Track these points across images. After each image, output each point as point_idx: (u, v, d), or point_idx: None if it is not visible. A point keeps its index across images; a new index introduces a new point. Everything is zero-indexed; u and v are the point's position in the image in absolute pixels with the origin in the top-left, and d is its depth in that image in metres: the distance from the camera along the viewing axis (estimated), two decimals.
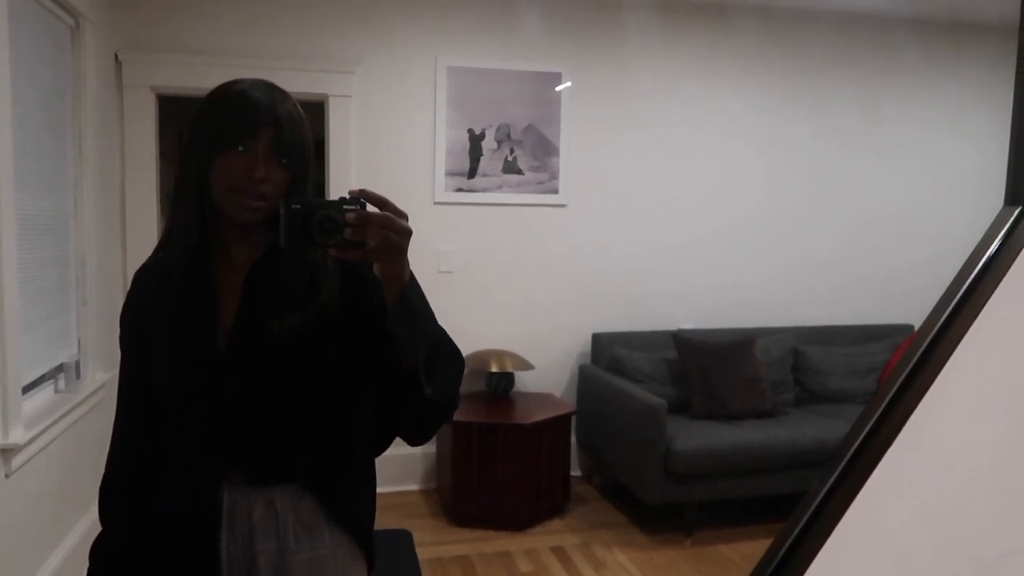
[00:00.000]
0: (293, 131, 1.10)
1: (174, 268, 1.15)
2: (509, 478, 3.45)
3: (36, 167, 2.54)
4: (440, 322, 1.14)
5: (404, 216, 1.03)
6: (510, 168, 3.96)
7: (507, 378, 3.79)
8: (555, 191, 4.02)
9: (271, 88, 1.12)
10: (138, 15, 3.48)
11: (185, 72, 3.47)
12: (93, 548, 1.21)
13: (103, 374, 3.05)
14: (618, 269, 4.14)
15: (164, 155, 3.60)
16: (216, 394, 1.14)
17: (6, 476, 2.19)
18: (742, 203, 4.30)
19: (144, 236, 3.45)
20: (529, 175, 3.99)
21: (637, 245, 4.16)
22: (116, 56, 3.42)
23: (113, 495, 1.22)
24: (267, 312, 1.14)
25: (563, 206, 4.04)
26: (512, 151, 3.95)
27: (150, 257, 1.22)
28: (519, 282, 4.04)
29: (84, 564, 1.22)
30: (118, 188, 3.47)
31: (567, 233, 4.07)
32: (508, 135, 3.94)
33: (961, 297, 0.54)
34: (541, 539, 3.39)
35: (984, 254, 0.54)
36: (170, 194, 1.21)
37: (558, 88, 3.98)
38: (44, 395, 2.67)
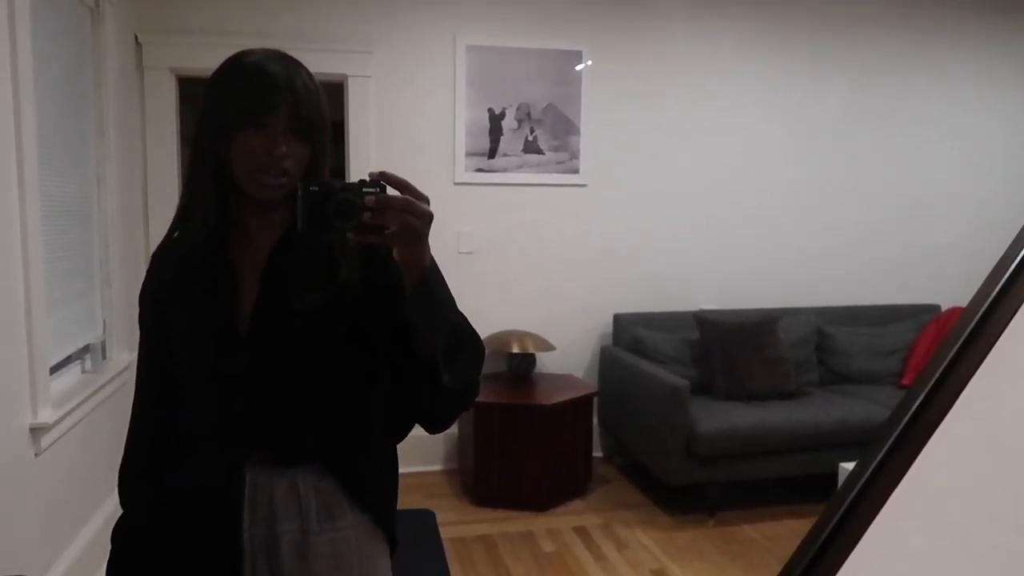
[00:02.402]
0: (310, 103, 1.07)
1: (193, 247, 1.13)
2: (531, 459, 3.45)
3: (59, 149, 2.56)
4: (460, 304, 1.11)
5: (425, 200, 1.00)
6: (530, 148, 3.93)
7: (528, 359, 3.79)
8: (576, 171, 3.99)
9: (285, 59, 1.09)
10: None
11: (204, 53, 3.44)
12: (115, 531, 1.21)
13: (128, 355, 3.08)
14: (639, 249, 4.11)
15: (184, 136, 3.60)
16: (237, 375, 1.13)
17: (36, 455, 2.22)
18: (765, 183, 4.25)
19: (166, 218, 3.43)
20: (549, 155, 3.96)
21: (658, 225, 4.12)
22: (136, 38, 3.42)
23: (133, 477, 1.21)
24: (287, 293, 1.12)
25: (584, 186, 4.01)
26: (532, 131, 3.92)
27: (167, 235, 1.20)
28: (540, 263, 4.02)
29: (110, 544, 1.23)
30: (140, 170, 3.49)
31: (588, 213, 4.04)
32: (528, 114, 3.91)
33: (1017, 266, 0.52)
34: (563, 519, 3.40)
35: None
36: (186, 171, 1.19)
37: (578, 67, 3.93)
38: (71, 375, 2.70)
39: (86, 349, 2.84)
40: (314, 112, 1.08)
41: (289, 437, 1.16)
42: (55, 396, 2.38)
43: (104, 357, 2.92)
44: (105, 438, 2.82)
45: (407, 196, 0.98)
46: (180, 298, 1.15)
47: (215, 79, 1.09)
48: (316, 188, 1.00)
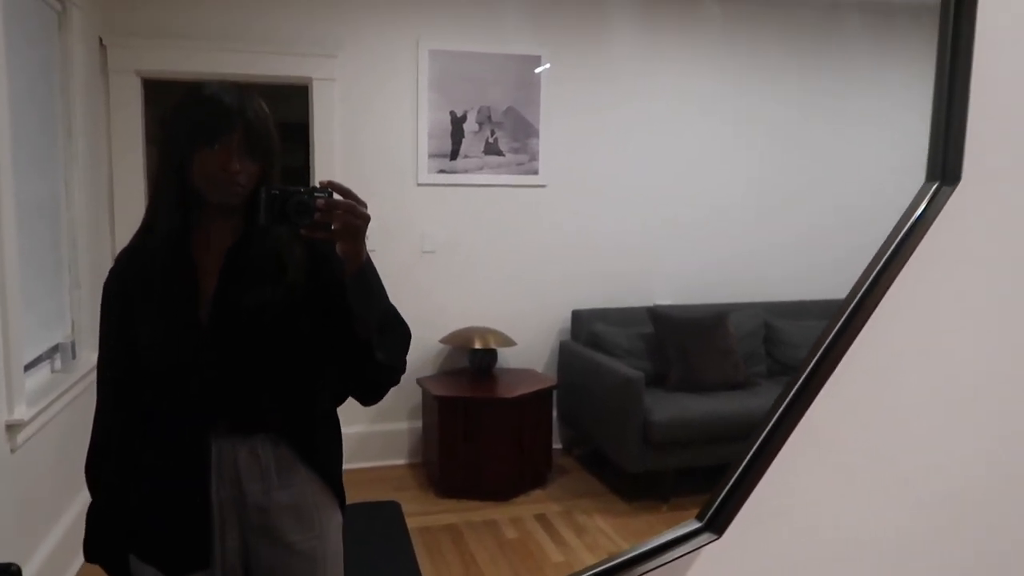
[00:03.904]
0: (261, 127, 1.27)
1: (157, 249, 1.30)
2: (493, 450, 3.58)
3: (27, 151, 2.60)
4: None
5: (364, 204, 1.22)
6: (491, 150, 4.05)
7: (490, 355, 3.91)
8: (535, 172, 4.13)
9: (239, 90, 1.28)
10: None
11: (169, 56, 3.52)
12: (88, 514, 1.37)
13: (96, 354, 3.11)
14: (597, 247, 4.26)
15: (150, 139, 3.64)
16: (199, 357, 1.29)
17: (12, 451, 2.27)
18: (720, 183, 4.42)
19: (132, 219, 3.46)
20: (510, 156, 4.08)
21: (616, 224, 4.28)
22: (101, 40, 3.45)
23: (100, 461, 1.37)
24: (243, 287, 1.30)
25: (543, 187, 4.15)
26: (493, 133, 4.05)
27: (133, 239, 1.35)
28: (501, 261, 4.14)
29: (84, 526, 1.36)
30: (105, 172, 3.51)
31: (547, 213, 4.17)
32: (489, 117, 4.03)
33: (891, 254, 0.66)
34: (525, 508, 3.53)
35: (908, 221, 0.66)
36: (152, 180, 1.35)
37: (537, 70, 4.07)
38: (42, 374, 2.74)
39: (55, 349, 2.87)
40: (264, 135, 1.28)
41: (248, 410, 1.33)
42: (28, 394, 2.43)
43: (73, 356, 2.96)
44: (76, 435, 2.84)
45: (350, 200, 1.20)
46: (145, 293, 1.31)
47: (177, 107, 1.29)
48: (277, 192, 1.21)
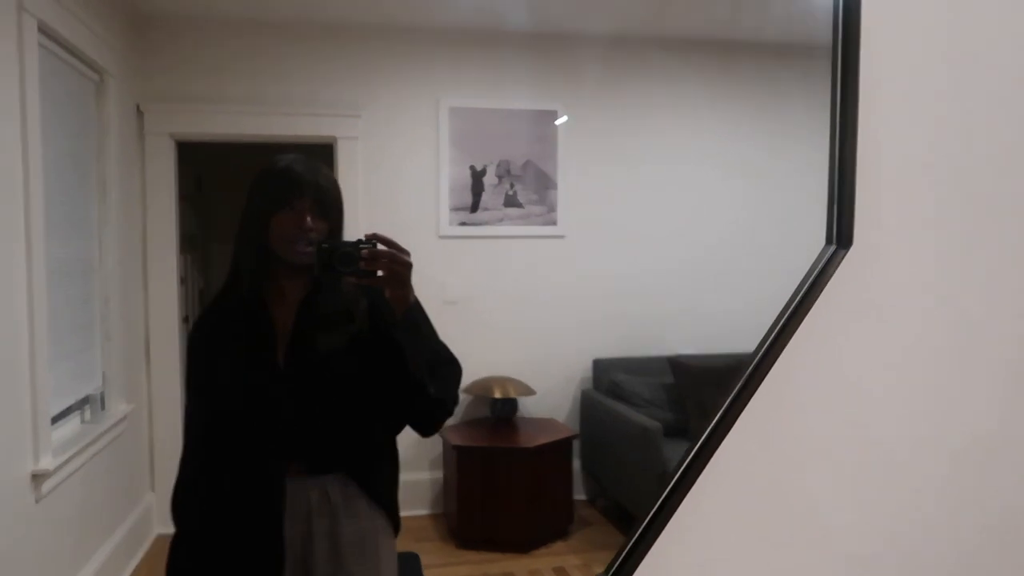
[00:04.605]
0: (329, 191, 1.44)
1: (238, 305, 1.45)
2: (513, 501, 3.57)
3: (64, 212, 2.75)
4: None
5: (406, 253, 1.36)
6: (510, 202, 4.14)
7: (510, 404, 3.93)
8: (554, 223, 4.19)
9: (309, 161, 1.46)
10: (158, 69, 3.71)
11: (203, 119, 3.71)
12: (172, 545, 1.45)
13: (125, 405, 3.23)
14: (617, 296, 4.28)
15: (183, 196, 3.81)
16: (278, 399, 1.42)
17: (36, 501, 2.36)
18: (737, 232, 4.43)
19: (165, 273, 3.65)
20: (529, 208, 4.16)
21: (635, 273, 4.30)
22: (138, 107, 3.65)
23: (185, 497, 1.46)
24: (315, 333, 1.44)
25: (561, 237, 4.21)
26: (512, 186, 4.13)
27: (216, 298, 1.52)
28: (521, 311, 4.19)
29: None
30: (139, 229, 3.68)
31: (566, 263, 4.23)
32: (508, 171, 4.13)
33: (791, 313, 0.69)
34: (544, 560, 3.50)
35: (807, 283, 0.69)
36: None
37: (557, 122, 4.17)
38: (71, 425, 2.84)
39: (85, 400, 2.99)
40: (331, 197, 1.45)
41: (321, 451, 1.45)
42: (55, 444, 2.53)
43: (103, 408, 3.07)
44: (103, 485, 2.95)
45: (392, 250, 1.34)
46: (228, 342, 1.46)
47: (258, 179, 1.46)
48: (327, 245, 1.36)
